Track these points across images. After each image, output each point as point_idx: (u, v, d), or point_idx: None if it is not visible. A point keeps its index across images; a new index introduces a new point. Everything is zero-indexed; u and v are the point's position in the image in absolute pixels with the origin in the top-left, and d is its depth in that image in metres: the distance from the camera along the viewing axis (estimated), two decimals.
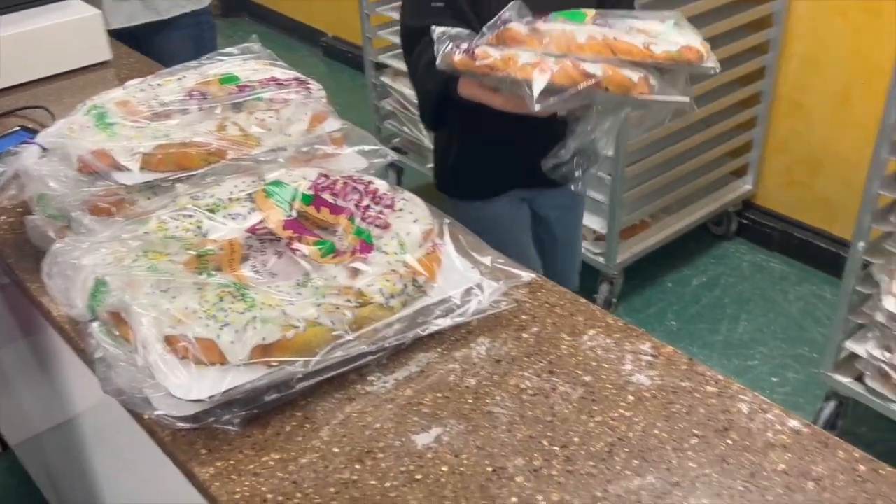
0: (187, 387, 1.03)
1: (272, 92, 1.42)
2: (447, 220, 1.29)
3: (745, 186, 3.25)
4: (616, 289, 3.01)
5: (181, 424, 1.05)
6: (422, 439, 1.05)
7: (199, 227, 1.21)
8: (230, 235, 1.20)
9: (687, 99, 1.40)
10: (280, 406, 1.09)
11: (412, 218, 1.25)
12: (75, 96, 1.90)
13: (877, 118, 2.04)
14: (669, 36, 1.38)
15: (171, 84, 1.49)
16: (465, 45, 1.39)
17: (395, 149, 3.39)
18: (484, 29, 1.39)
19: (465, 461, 1.02)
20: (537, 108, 1.28)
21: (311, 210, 1.23)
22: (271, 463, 1.02)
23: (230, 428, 1.05)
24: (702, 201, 3.17)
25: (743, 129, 3.13)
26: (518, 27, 1.35)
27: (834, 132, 2.95)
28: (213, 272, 1.14)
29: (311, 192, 1.25)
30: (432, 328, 1.19)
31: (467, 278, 1.24)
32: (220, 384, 1.03)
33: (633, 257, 2.99)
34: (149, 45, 2.47)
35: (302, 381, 1.08)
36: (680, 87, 1.39)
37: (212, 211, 1.24)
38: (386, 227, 1.22)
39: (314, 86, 1.49)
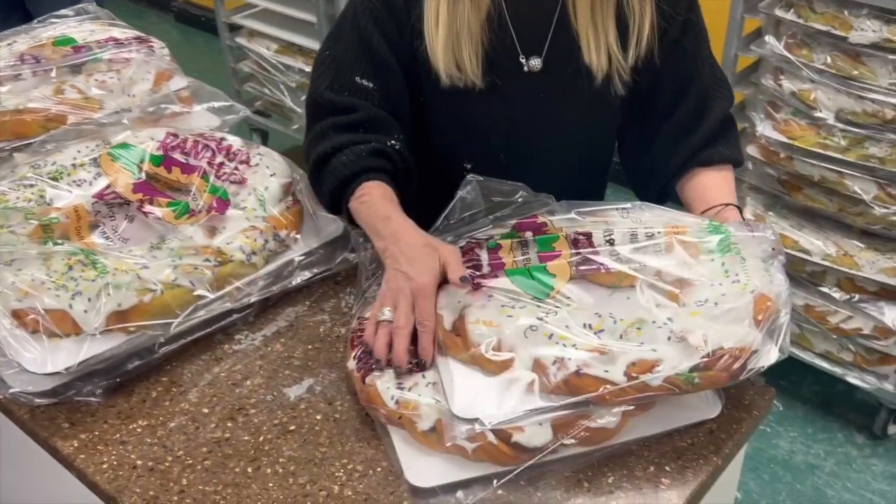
0: (42, 361, 0.99)
1: (111, 52, 1.36)
2: (305, 174, 1.27)
3: None
4: None
5: (39, 400, 1.01)
6: (294, 391, 1.04)
7: (41, 197, 1.15)
8: (76, 202, 1.15)
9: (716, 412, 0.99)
10: (144, 372, 1.06)
11: (269, 172, 1.23)
12: None
13: (721, 54, 2.13)
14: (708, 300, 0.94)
15: (1, 50, 1.40)
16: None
17: (259, 112, 3.31)
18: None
19: (339, 408, 1.02)
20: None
21: (161, 171, 1.19)
22: (138, 430, 0.99)
23: (92, 399, 1.02)
24: None
25: None
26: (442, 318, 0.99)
27: None
28: (60, 241, 1.09)
29: (161, 153, 1.21)
30: (298, 281, 1.18)
31: (330, 229, 1.23)
32: (77, 355, 0.99)
33: None
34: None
35: (165, 345, 1.06)
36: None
37: (55, 179, 1.18)
38: (242, 182, 1.20)
39: (157, 44, 1.43)
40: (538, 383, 0.90)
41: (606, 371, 0.89)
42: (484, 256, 1.04)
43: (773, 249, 1.02)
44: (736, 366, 0.90)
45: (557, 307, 0.96)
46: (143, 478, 0.93)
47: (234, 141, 1.25)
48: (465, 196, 1.10)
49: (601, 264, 0.99)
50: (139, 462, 0.95)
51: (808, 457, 2.23)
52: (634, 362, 0.89)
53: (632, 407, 0.91)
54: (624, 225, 1.04)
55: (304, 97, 3.06)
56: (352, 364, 1.01)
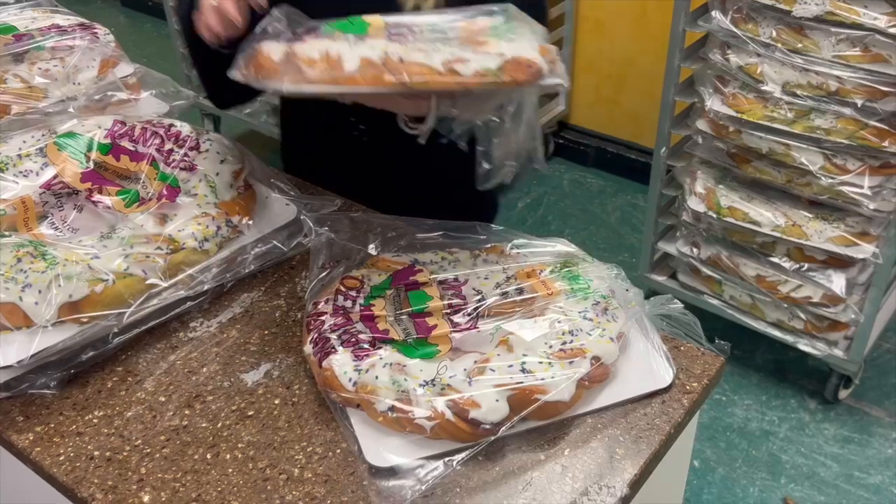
0: None
1: (54, 39, 1.34)
2: (257, 159, 1.27)
3: (558, 108, 3.37)
4: None
5: None
6: (251, 377, 1.04)
7: None
8: (23, 193, 1.13)
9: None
10: (99, 363, 1.05)
11: (219, 158, 1.22)
12: None
13: (669, 30, 2.16)
14: (496, 41, 1.00)
15: None
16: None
17: None
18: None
19: (297, 392, 1.02)
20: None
21: (109, 159, 1.18)
22: (95, 421, 0.99)
23: (47, 391, 1.01)
24: None
25: None
26: (271, 51, 0.98)
27: (634, 48, 3.09)
28: (7, 233, 1.07)
29: (108, 141, 1.20)
30: (252, 267, 1.18)
31: (284, 214, 1.23)
32: (29, 348, 0.98)
33: None
34: None
35: (119, 335, 1.05)
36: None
37: (0, 170, 1.16)
38: (192, 169, 1.19)
39: (101, 30, 1.41)
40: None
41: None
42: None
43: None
44: (532, 70, 0.97)
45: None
46: (101, 468, 0.93)
47: (183, 127, 1.24)
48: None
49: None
50: (96, 453, 0.95)
51: (762, 423, 2.28)
52: (449, 60, 0.94)
53: None
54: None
55: None
56: (308, 348, 1.01)
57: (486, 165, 1.09)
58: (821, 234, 2.06)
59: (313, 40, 0.99)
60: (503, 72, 0.96)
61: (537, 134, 1.09)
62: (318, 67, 0.96)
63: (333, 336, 1.00)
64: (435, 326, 1.02)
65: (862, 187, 1.94)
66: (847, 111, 1.89)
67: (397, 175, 1.38)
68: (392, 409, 0.93)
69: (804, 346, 2.25)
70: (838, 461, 2.17)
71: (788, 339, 2.27)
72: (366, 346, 0.99)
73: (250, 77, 1.00)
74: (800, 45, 1.89)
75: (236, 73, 1.01)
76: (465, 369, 0.95)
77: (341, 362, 0.97)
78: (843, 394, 2.32)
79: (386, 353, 0.97)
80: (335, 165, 1.42)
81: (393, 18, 1.02)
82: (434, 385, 0.93)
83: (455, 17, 1.04)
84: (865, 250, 2.02)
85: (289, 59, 0.97)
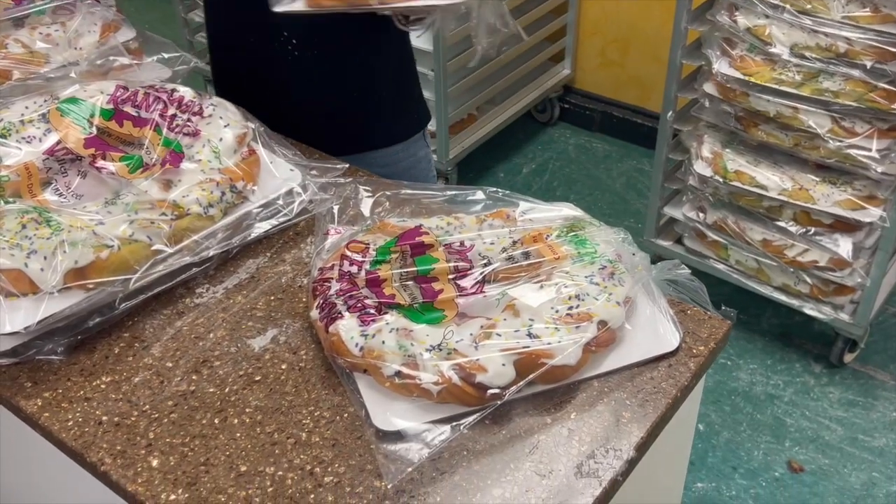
0: (0, 321, 0.98)
1: (54, 3, 1.32)
2: (259, 125, 1.26)
3: (563, 71, 3.34)
4: (451, 183, 3.06)
5: (0, 360, 1.00)
6: (258, 342, 1.05)
7: None
8: (27, 160, 1.13)
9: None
10: (106, 329, 1.06)
11: (223, 123, 1.21)
12: None
13: None
14: None
15: None
16: None
17: None
18: None
19: (304, 357, 1.02)
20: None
21: (112, 125, 1.17)
22: (102, 386, 0.99)
23: (54, 357, 1.01)
24: (524, 90, 3.23)
25: (557, 13, 3.19)
26: None
27: (639, 10, 3.06)
28: (12, 199, 1.07)
29: (111, 107, 1.19)
30: (257, 233, 1.17)
31: (289, 179, 1.22)
32: (35, 314, 0.98)
33: (464, 152, 3.03)
34: None
35: (125, 300, 1.05)
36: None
37: (2, 136, 1.15)
38: (196, 134, 1.18)
39: None
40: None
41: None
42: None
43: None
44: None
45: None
46: (110, 433, 0.94)
47: (186, 92, 1.23)
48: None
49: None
50: (104, 418, 0.95)
51: (767, 387, 2.29)
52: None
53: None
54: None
55: None
56: (315, 314, 1.01)
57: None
58: (828, 197, 2.05)
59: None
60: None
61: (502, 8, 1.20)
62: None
63: (340, 301, 1.00)
64: (441, 291, 1.02)
65: (870, 150, 1.92)
66: (856, 73, 1.87)
67: (323, 88, 1.45)
68: (399, 373, 0.93)
69: (810, 310, 2.25)
70: (843, 424, 2.18)
71: (794, 303, 2.27)
72: (372, 311, 0.99)
73: (326, 4, 1.11)
74: (809, 6, 1.87)
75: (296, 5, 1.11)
76: (471, 334, 0.95)
77: (348, 327, 0.96)
78: (848, 358, 2.32)
79: (392, 318, 0.97)
80: (263, 84, 1.46)
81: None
82: (440, 350, 0.93)
83: None
84: (872, 214, 2.01)
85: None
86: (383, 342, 0.94)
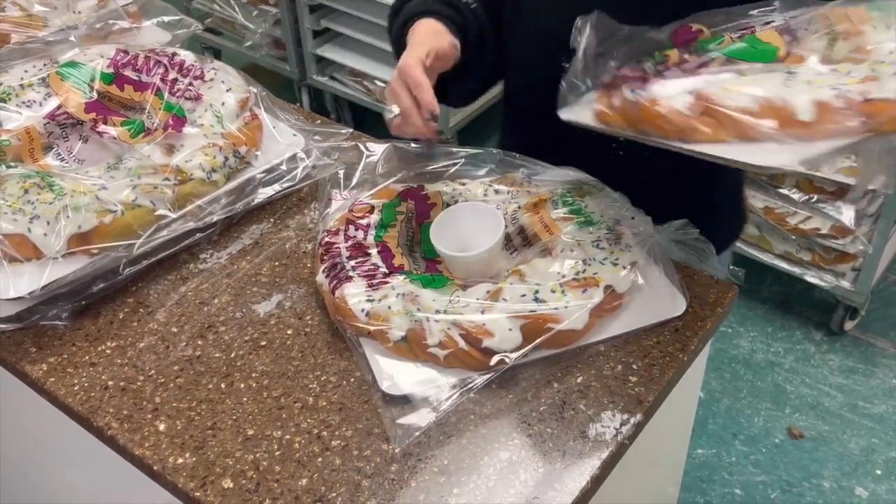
0: (4, 286, 0.97)
1: None
2: (262, 89, 1.24)
3: None
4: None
5: (4, 326, 1.00)
6: (263, 307, 1.04)
7: None
8: (27, 124, 1.11)
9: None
10: (110, 294, 1.05)
11: (225, 87, 1.20)
12: None
13: None
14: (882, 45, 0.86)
15: None
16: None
17: (209, 30, 3.21)
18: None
19: (309, 322, 1.02)
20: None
21: (113, 89, 1.16)
22: (108, 351, 0.99)
23: (58, 323, 1.01)
24: None
25: None
26: (670, 100, 0.86)
27: None
28: (13, 164, 1.06)
29: (111, 71, 1.17)
30: (261, 198, 1.17)
31: (292, 144, 1.21)
32: (39, 279, 0.98)
33: (464, 119, 3.01)
34: None
35: (129, 266, 1.04)
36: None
37: (2, 100, 1.14)
38: (198, 98, 1.17)
39: None
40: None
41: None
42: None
43: None
44: None
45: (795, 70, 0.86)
46: (116, 398, 0.93)
47: (187, 56, 1.22)
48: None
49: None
50: (110, 383, 0.95)
51: (767, 355, 2.30)
52: None
53: None
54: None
55: (255, 13, 2.98)
56: (321, 278, 1.01)
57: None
58: (831, 164, 2.04)
59: (712, 76, 0.86)
60: None
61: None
62: (767, 121, 0.81)
63: (347, 265, 0.99)
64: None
65: None
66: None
67: (643, 190, 1.09)
68: (405, 338, 0.93)
69: (811, 277, 2.25)
70: (843, 391, 2.19)
71: (795, 270, 2.27)
72: (378, 275, 0.98)
73: (617, 125, 0.89)
74: None
75: (584, 115, 0.92)
76: (477, 299, 0.94)
77: (354, 292, 0.96)
78: (848, 325, 2.33)
79: (398, 283, 0.97)
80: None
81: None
82: (447, 314, 0.93)
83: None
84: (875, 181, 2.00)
85: (704, 110, 0.84)
86: (389, 307, 0.94)
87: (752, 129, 0.83)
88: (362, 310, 0.95)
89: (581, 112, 0.95)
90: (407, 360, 0.94)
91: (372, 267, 0.99)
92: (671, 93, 0.87)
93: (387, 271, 0.99)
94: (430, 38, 1.05)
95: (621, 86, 0.91)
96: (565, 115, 0.95)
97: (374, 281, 0.97)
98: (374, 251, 1.02)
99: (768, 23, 0.92)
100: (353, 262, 1.00)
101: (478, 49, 1.13)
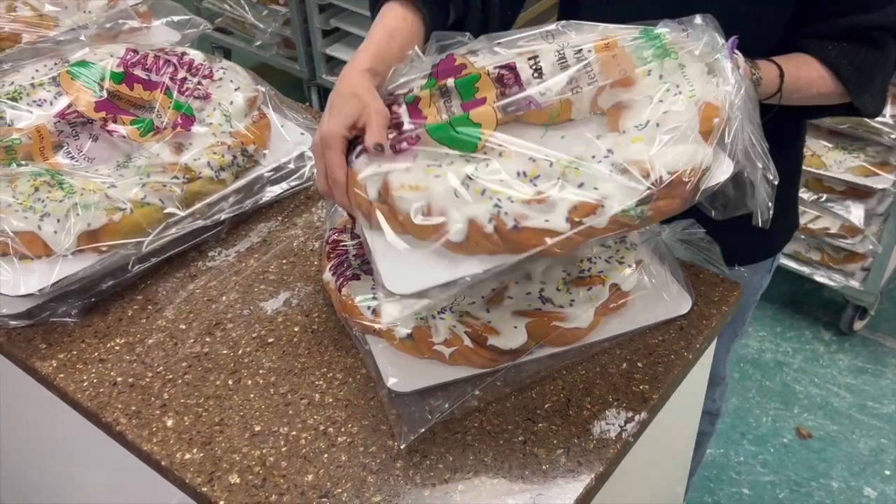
0: (14, 283, 0.98)
1: None
2: (270, 88, 1.25)
3: None
4: None
5: (14, 322, 1.01)
6: (271, 305, 1.05)
7: (1, 118, 1.13)
8: (38, 123, 1.12)
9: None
10: (119, 292, 1.06)
11: (234, 86, 1.20)
12: None
13: None
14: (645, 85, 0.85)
15: None
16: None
17: (220, 29, 3.23)
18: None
19: (316, 319, 1.03)
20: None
21: (123, 88, 1.17)
22: (116, 348, 1.00)
23: (68, 319, 1.02)
24: None
25: None
26: (363, 173, 0.86)
27: None
28: (24, 162, 1.07)
29: (121, 70, 1.18)
30: (269, 197, 1.17)
31: (300, 143, 1.22)
32: (49, 276, 0.99)
33: None
34: None
35: (138, 263, 1.05)
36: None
37: (14, 99, 1.15)
38: (206, 97, 1.18)
39: None
40: (475, 245, 0.82)
41: (547, 220, 0.80)
42: (404, 113, 0.90)
43: (717, 42, 0.87)
44: (688, 188, 0.81)
45: (487, 159, 0.84)
46: (125, 394, 0.94)
47: (196, 55, 1.22)
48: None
49: (530, 99, 0.86)
50: (119, 379, 0.96)
51: (776, 354, 2.29)
52: (576, 206, 0.79)
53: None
54: (551, 50, 0.88)
55: (265, 12, 2.99)
56: (328, 276, 1.02)
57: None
58: (840, 164, 2.03)
59: (411, 163, 0.86)
60: (649, 209, 0.80)
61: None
62: (411, 228, 0.83)
63: (353, 263, 1.00)
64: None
65: (883, 115, 1.90)
66: None
67: None
68: (411, 336, 0.93)
69: (820, 277, 2.25)
70: (852, 391, 2.19)
71: (805, 270, 2.27)
72: None
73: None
74: None
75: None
76: (483, 297, 0.94)
77: (360, 290, 0.97)
78: (858, 325, 2.32)
79: None
80: None
81: (513, 96, 0.86)
82: (452, 312, 0.93)
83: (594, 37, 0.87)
84: (885, 180, 1.99)
85: (382, 198, 0.85)
86: None
87: (420, 233, 0.83)
88: (368, 307, 0.96)
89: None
90: (413, 357, 0.94)
91: None
92: (370, 171, 0.86)
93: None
94: (364, 51, 0.96)
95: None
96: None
97: None
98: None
99: (534, 58, 0.87)
100: (359, 260, 1.00)
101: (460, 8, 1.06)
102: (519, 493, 0.84)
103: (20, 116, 1.13)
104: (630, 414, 0.90)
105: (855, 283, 2.21)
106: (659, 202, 0.80)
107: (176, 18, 1.33)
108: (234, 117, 1.16)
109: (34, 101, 1.15)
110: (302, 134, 1.22)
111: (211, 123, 1.15)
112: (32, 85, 1.16)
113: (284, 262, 1.11)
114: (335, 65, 2.97)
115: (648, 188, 0.79)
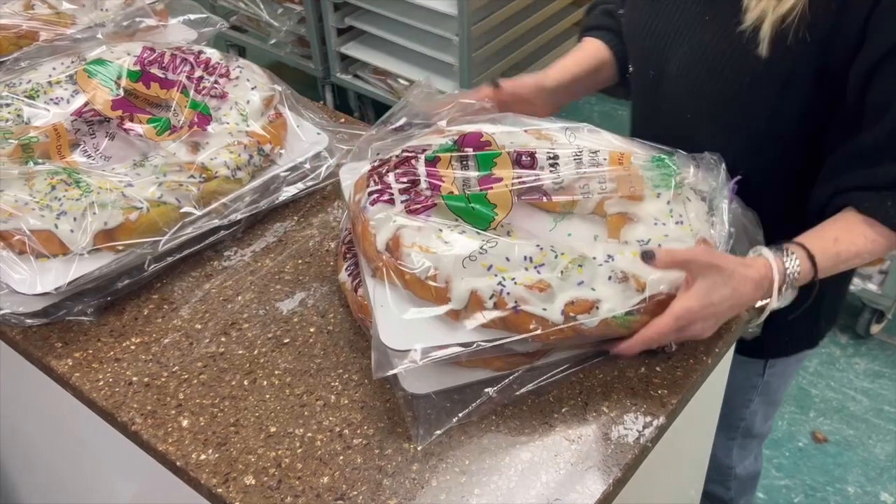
0: (31, 281, 0.98)
1: None
2: (286, 87, 1.25)
3: None
4: None
5: (31, 321, 1.01)
6: (286, 305, 1.05)
7: (19, 116, 1.13)
8: (55, 121, 1.12)
9: None
10: (135, 291, 1.06)
11: (250, 86, 1.20)
12: None
13: None
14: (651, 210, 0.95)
15: None
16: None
17: (235, 28, 3.23)
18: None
19: (332, 320, 1.02)
20: None
21: (139, 87, 1.17)
22: (132, 347, 1.00)
23: (84, 318, 1.02)
24: (549, 56, 3.19)
25: None
26: (377, 227, 0.92)
27: None
28: (41, 160, 1.07)
29: (138, 68, 1.18)
30: (285, 196, 1.17)
31: (316, 143, 1.21)
32: (66, 275, 0.99)
33: None
34: None
35: (154, 262, 1.05)
36: None
37: (31, 97, 1.15)
38: (223, 97, 1.17)
39: None
40: (473, 316, 0.87)
41: (545, 309, 0.86)
42: (422, 170, 0.96)
43: (721, 181, 0.98)
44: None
45: (497, 237, 0.91)
46: (140, 393, 0.94)
47: (213, 54, 1.22)
48: (412, 101, 1.06)
49: (543, 194, 0.95)
50: (135, 378, 0.96)
51: None
52: (573, 301, 0.86)
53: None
54: (569, 146, 0.98)
55: (280, 11, 2.99)
56: (343, 276, 1.01)
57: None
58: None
59: (423, 223, 0.91)
60: (634, 321, 0.88)
61: None
62: (415, 286, 0.88)
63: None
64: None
65: None
66: None
67: None
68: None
69: None
70: (868, 395, 2.17)
71: None
72: None
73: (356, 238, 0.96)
74: None
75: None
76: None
77: None
78: (875, 329, 2.30)
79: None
80: None
81: (528, 183, 0.94)
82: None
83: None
84: None
85: (391, 251, 0.90)
86: None
87: (422, 293, 0.88)
88: None
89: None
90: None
91: None
92: (382, 221, 0.92)
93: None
94: (560, 70, 1.24)
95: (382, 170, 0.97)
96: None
97: None
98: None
99: (552, 150, 0.97)
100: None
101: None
102: (536, 498, 0.83)
103: (37, 114, 1.13)
104: (648, 419, 0.90)
105: (872, 287, 2.19)
106: (645, 316, 0.89)
107: (192, 17, 1.33)
108: (250, 116, 1.16)
109: (51, 99, 1.15)
110: (318, 133, 1.22)
111: (227, 122, 1.14)
112: (49, 83, 1.16)
113: (300, 262, 1.11)
114: (349, 63, 2.97)
115: (643, 300, 0.88)
